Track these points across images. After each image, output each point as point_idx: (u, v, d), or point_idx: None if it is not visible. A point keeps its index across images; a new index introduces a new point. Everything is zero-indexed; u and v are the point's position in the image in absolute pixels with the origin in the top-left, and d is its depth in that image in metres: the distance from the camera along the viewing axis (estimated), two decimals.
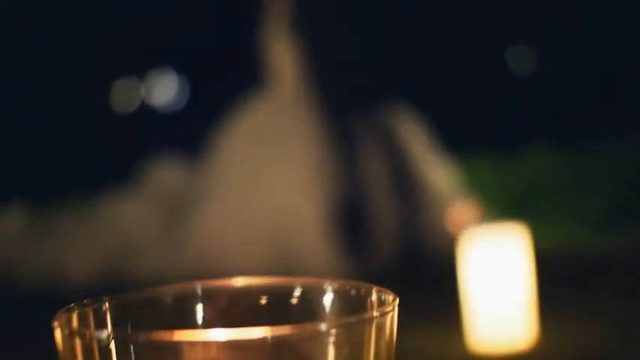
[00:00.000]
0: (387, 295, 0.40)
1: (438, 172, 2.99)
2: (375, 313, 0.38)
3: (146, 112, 4.89)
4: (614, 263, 2.39)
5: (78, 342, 0.36)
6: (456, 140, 3.71)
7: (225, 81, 3.48)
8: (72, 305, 0.40)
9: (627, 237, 3.04)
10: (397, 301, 0.40)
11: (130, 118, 4.78)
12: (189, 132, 3.60)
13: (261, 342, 0.34)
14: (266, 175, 2.69)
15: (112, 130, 4.35)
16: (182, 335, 0.34)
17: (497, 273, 1.33)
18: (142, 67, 4.89)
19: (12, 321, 1.99)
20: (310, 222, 2.62)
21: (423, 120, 3.11)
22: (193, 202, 2.78)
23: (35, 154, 3.92)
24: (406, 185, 2.80)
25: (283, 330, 0.34)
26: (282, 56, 2.83)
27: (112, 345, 0.35)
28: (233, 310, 0.42)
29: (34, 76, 4.10)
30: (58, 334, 0.37)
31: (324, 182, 2.68)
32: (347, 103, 2.84)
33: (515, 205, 3.52)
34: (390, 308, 0.39)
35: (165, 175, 3.09)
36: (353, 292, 0.42)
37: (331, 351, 0.35)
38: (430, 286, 1.83)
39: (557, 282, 1.81)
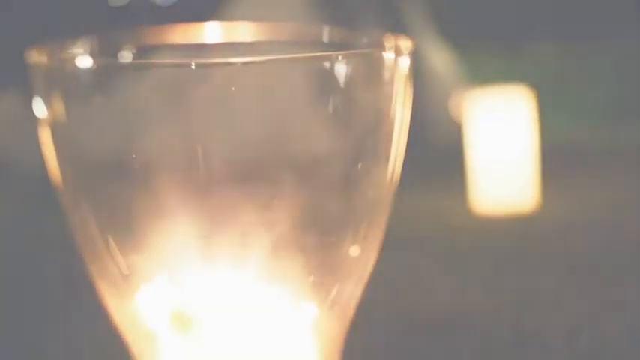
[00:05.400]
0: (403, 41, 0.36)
1: (438, 59, 2.97)
2: (388, 49, 0.34)
3: (142, 2, 4.81)
4: (619, 150, 2.39)
5: (57, 66, 0.31)
6: (459, 34, 3.64)
7: None
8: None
9: (632, 129, 3.02)
10: (413, 48, 0.36)
11: (125, 7, 4.70)
12: (186, 18, 3.54)
13: (265, 65, 0.30)
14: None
15: (108, 19, 4.29)
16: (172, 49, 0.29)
17: (500, 135, 1.31)
18: None
19: (12, 200, 1.97)
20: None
21: (423, 10, 3.08)
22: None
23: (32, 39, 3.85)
24: None
25: (289, 57, 0.30)
26: None
27: (94, 67, 0.30)
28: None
29: None
30: (33, 65, 0.32)
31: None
32: None
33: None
34: (405, 50, 0.35)
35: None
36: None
37: (339, 80, 0.31)
38: (432, 153, 1.80)
39: (561, 157, 1.79)
